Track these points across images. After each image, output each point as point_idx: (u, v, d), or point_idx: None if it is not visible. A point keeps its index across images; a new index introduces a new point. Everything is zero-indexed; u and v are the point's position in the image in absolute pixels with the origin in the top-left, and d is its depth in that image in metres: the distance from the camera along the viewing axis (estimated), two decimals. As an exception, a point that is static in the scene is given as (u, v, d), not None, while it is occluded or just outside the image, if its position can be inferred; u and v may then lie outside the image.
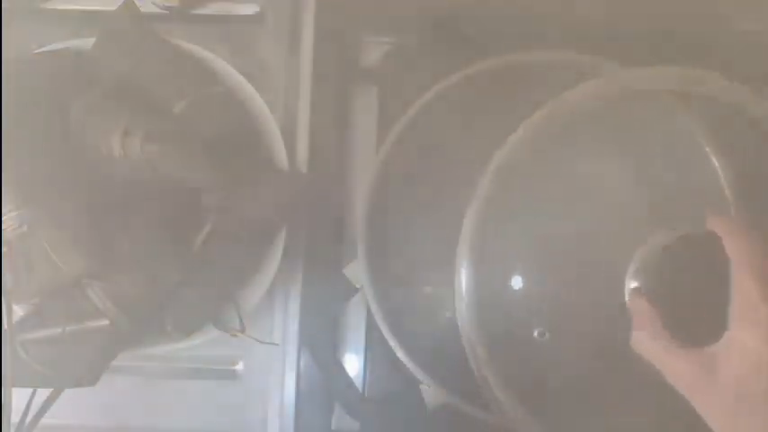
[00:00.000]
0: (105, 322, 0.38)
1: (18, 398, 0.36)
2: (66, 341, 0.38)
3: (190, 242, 0.44)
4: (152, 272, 0.40)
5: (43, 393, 0.40)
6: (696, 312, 0.35)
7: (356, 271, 0.47)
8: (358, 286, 0.47)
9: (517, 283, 0.44)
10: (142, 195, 0.42)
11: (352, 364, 0.57)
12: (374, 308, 0.45)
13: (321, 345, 0.54)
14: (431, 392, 0.46)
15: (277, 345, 0.47)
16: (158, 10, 0.51)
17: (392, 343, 0.45)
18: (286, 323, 0.48)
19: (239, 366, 0.50)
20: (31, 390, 0.41)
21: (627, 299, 0.38)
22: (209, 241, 0.44)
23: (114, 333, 0.39)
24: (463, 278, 0.40)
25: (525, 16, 0.54)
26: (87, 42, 0.45)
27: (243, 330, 0.45)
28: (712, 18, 0.54)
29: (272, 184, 0.45)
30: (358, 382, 0.56)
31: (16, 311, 0.41)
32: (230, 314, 0.45)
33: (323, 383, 0.53)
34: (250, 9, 0.52)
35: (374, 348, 0.56)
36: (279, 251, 0.45)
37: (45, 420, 0.40)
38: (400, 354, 0.44)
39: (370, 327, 0.56)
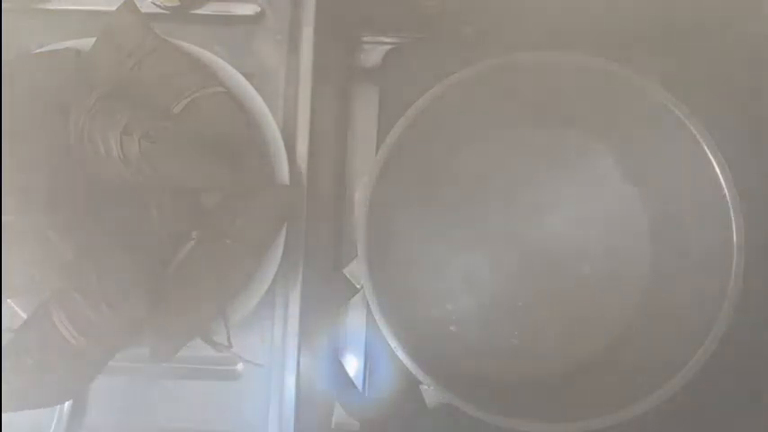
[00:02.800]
0: (74, 351, 0.38)
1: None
2: (36, 372, 0.38)
3: (160, 272, 0.43)
4: (119, 303, 0.39)
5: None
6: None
7: (356, 271, 0.47)
8: (358, 286, 0.47)
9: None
10: (119, 216, 0.42)
11: (352, 364, 0.57)
12: (374, 308, 0.45)
13: (321, 345, 0.54)
14: (431, 392, 0.46)
15: (262, 366, 0.47)
16: (158, 10, 0.51)
17: (392, 343, 0.44)
18: (286, 323, 0.48)
19: (239, 366, 0.50)
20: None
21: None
22: (192, 258, 0.44)
23: (85, 361, 0.39)
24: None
25: (525, 16, 0.54)
26: (87, 42, 0.45)
27: (230, 346, 0.44)
28: (712, 19, 0.54)
29: (265, 198, 0.45)
30: (358, 382, 0.56)
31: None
32: (218, 328, 0.45)
33: (323, 383, 0.53)
34: (250, 9, 0.52)
35: (374, 348, 0.56)
36: (279, 251, 0.45)
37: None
38: (400, 354, 0.44)
39: (370, 327, 0.56)
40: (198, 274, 0.43)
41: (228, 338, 0.44)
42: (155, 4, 0.50)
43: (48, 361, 0.38)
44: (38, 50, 0.46)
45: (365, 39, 0.61)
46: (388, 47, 0.60)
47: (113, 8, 0.44)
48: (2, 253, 0.36)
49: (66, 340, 0.37)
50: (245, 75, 0.47)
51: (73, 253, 0.38)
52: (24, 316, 0.41)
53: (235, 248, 0.43)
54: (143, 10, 0.45)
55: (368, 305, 0.46)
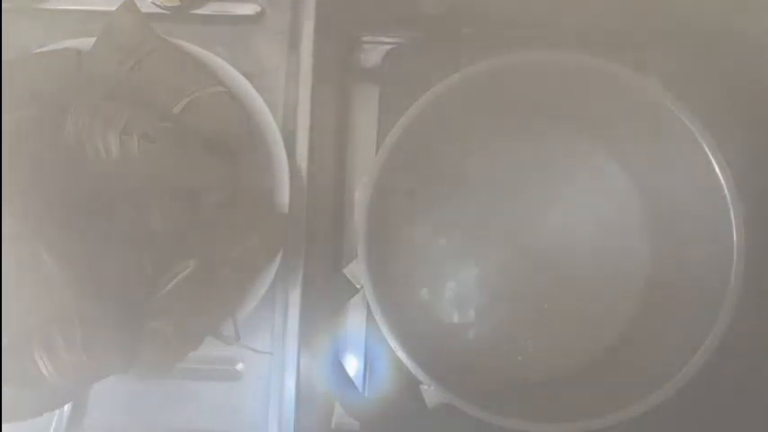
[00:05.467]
0: (52, 387, 0.37)
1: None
2: (13, 399, 0.37)
3: (140, 325, 0.42)
4: (98, 356, 0.38)
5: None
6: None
7: (356, 271, 0.47)
8: (358, 286, 0.47)
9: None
10: (119, 216, 0.41)
11: (352, 364, 0.57)
12: (374, 308, 0.45)
13: (321, 345, 0.54)
14: (431, 392, 0.46)
15: (271, 353, 0.47)
16: (158, 10, 0.51)
17: (392, 343, 0.44)
18: (286, 323, 0.48)
19: (239, 366, 0.50)
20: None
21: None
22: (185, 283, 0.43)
23: (63, 393, 0.39)
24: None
25: (525, 16, 0.54)
26: (87, 42, 0.45)
27: (238, 339, 0.44)
28: (712, 19, 0.54)
29: (260, 228, 0.45)
30: (358, 382, 0.56)
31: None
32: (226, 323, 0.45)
33: (323, 383, 0.53)
34: (250, 9, 0.52)
35: (374, 348, 0.56)
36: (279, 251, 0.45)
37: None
38: (400, 354, 0.44)
39: (370, 327, 0.56)
40: (192, 293, 0.43)
41: (237, 331, 0.44)
42: (155, 4, 0.50)
43: (25, 393, 0.37)
44: (38, 50, 0.46)
45: (365, 39, 0.61)
46: (388, 47, 0.60)
47: (113, 8, 0.44)
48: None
49: (44, 377, 0.37)
50: (245, 75, 0.47)
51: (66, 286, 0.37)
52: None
53: (228, 276, 0.43)
54: (143, 10, 0.45)
55: (368, 305, 0.46)
